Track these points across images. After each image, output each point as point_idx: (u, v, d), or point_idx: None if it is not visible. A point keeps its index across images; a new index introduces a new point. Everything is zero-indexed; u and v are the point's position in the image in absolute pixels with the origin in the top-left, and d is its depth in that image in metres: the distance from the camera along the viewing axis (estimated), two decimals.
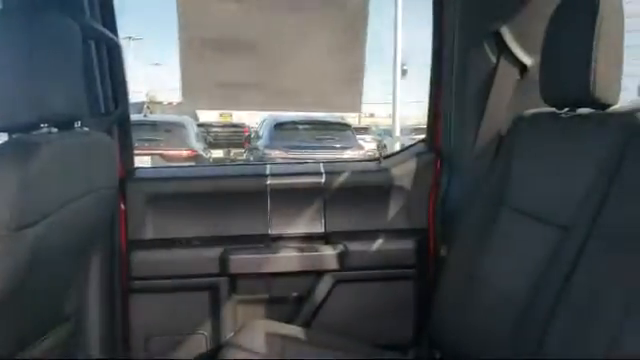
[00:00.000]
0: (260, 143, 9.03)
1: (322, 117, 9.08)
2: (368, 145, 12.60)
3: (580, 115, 1.25)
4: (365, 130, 17.77)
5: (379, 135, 19.31)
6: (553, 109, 1.33)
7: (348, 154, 8.22)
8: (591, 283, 1.01)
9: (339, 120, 9.52)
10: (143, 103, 11.24)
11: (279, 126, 8.79)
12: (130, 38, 21.04)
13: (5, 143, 1.11)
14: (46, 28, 1.13)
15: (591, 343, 0.93)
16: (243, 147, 11.47)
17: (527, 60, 1.56)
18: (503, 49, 1.57)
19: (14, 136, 1.16)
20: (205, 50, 1.67)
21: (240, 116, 14.57)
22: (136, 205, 1.64)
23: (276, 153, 8.13)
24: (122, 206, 1.63)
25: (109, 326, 1.57)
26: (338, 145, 8.67)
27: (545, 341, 1.06)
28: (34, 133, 1.12)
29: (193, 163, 7.67)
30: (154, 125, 8.21)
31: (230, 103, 1.74)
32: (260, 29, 1.68)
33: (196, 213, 1.68)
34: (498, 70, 1.58)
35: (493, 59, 1.59)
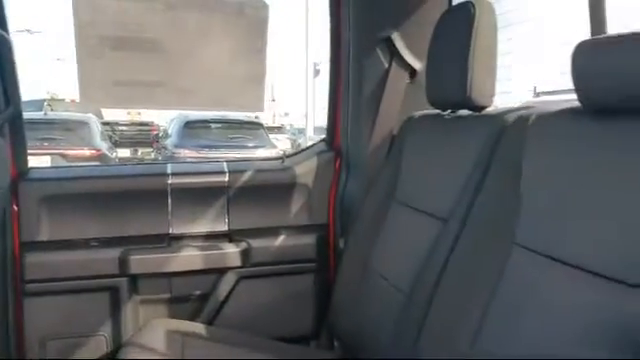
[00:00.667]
0: (169, 142, 8.84)
1: (234, 116, 9.04)
2: (282, 144, 12.69)
3: (459, 116, 1.39)
4: (279, 129, 17.88)
5: (293, 134, 19.48)
6: (438, 111, 1.46)
7: (260, 153, 8.23)
8: (463, 269, 1.12)
9: (252, 119, 9.53)
10: (44, 100, 10.65)
11: (189, 124, 8.66)
12: (28, 31, 19.78)
13: None
14: None
15: (462, 326, 1.04)
16: (151, 146, 11.17)
17: (417, 65, 1.68)
18: (395, 54, 1.69)
19: None
20: (103, 48, 1.65)
21: (150, 114, 14.16)
22: (30, 206, 1.60)
23: (186, 152, 8.00)
24: (14, 207, 1.59)
25: (1, 330, 1.52)
26: (250, 144, 8.67)
27: (424, 325, 1.17)
28: None
29: (97, 163, 7.40)
30: (54, 123, 7.84)
31: (130, 102, 1.73)
32: (161, 29, 1.69)
33: (94, 213, 1.66)
34: (390, 73, 1.70)
35: (385, 63, 1.70)
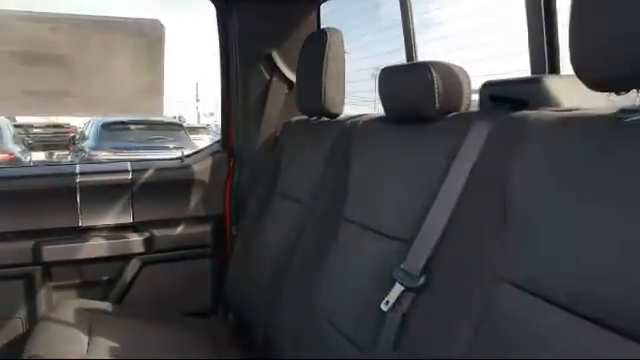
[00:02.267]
0: (86, 144, 8.78)
1: (154, 117, 9.09)
2: (204, 144, 12.75)
3: (321, 121, 1.73)
4: (204, 129, 17.88)
5: (218, 134, 19.49)
6: (306, 117, 1.80)
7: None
8: (315, 240, 1.47)
9: (172, 120, 9.61)
10: None
11: (107, 126, 8.63)
12: None
13: None
14: None
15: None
16: (68, 149, 11.00)
17: (293, 78, 2.02)
18: (275, 68, 2.03)
19: None
20: (12, 62, 1.88)
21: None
22: None
23: (103, 154, 7.96)
24: None
25: None
26: (171, 145, 8.69)
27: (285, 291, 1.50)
28: None
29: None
30: None
31: (40, 110, 1.97)
32: (68, 45, 1.94)
33: (9, 209, 1.88)
34: (271, 84, 2.03)
35: (267, 75, 2.04)
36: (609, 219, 0.72)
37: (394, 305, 1.00)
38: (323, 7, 2.07)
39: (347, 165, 1.42)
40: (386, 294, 1.02)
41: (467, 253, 0.92)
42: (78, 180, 1.96)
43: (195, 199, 2.13)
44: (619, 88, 0.76)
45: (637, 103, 0.77)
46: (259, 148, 2.06)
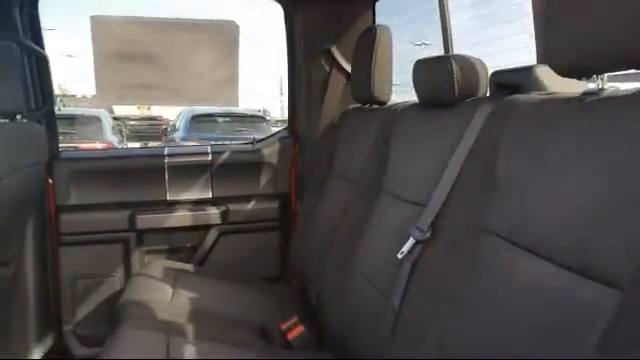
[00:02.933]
0: (177, 135, 9.39)
1: (238, 110, 9.58)
2: None
3: (371, 109, 1.96)
4: (284, 122, 18.44)
5: None
6: (360, 105, 2.04)
7: None
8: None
9: (255, 112, 10.08)
10: (56, 96, 11.33)
11: (196, 118, 9.20)
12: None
13: None
14: None
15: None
16: (160, 140, 11.78)
17: (350, 70, 2.25)
18: (334, 62, 2.27)
19: None
20: (114, 60, 2.25)
21: (159, 109, 14.83)
22: (62, 179, 2.20)
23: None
24: (50, 180, 2.18)
25: (42, 271, 2.12)
26: (254, 136, 9.12)
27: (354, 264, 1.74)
28: None
29: None
30: (69, 118, 8.46)
31: (134, 99, 2.32)
32: (158, 45, 2.28)
33: (110, 184, 2.26)
34: (331, 77, 2.28)
35: (327, 68, 2.28)
36: (572, 180, 0.88)
37: (407, 255, 1.22)
38: (378, 4, 2.28)
39: (388, 146, 1.64)
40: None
41: (464, 213, 1.12)
42: (166, 161, 2.30)
43: (265, 178, 2.42)
44: (582, 75, 0.94)
45: (596, 87, 0.94)
46: (320, 133, 2.31)
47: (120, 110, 13.22)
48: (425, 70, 1.47)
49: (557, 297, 0.84)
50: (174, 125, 10.74)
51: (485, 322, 0.97)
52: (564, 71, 0.95)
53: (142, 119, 13.14)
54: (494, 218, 1.04)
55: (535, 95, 1.09)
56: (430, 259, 1.18)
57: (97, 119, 8.85)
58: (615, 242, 0.77)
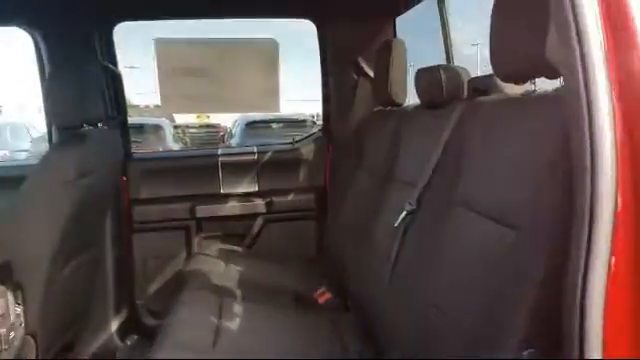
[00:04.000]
0: (233, 141, 9.94)
1: (289, 115, 10.04)
2: None
3: (390, 110, 2.30)
4: None
5: None
6: (382, 107, 2.38)
7: None
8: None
9: (306, 118, 10.52)
10: None
11: (250, 125, 9.73)
12: None
13: (66, 133, 2.13)
14: (84, 70, 2.14)
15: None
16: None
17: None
18: (360, 71, 2.62)
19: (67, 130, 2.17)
20: (175, 75, 2.69)
21: (217, 117, 15.51)
22: (135, 176, 2.65)
23: None
24: (124, 177, 2.63)
25: (119, 253, 2.57)
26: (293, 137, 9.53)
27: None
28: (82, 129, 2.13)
29: None
30: (135, 127, 9.12)
31: (193, 109, 2.75)
32: (210, 60, 2.70)
33: (174, 180, 2.69)
34: (359, 84, 2.64)
35: (355, 77, 2.64)
36: (503, 158, 1.20)
37: (400, 223, 1.57)
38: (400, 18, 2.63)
39: (399, 140, 1.98)
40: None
41: (440, 190, 1.46)
42: (220, 160, 2.72)
43: (302, 174, 2.80)
44: (520, 80, 1.27)
45: (532, 89, 1.26)
46: (350, 134, 2.67)
47: (180, 119, 13.95)
48: (421, 78, 1.81)
49: (495, 247, 1.15)
50: (230, 132, 11.32)
51: (453, 266, 1.30)
52: (507, 77, 1.28)
53: (201, 127, 13.82)
54: (461, 194, 1.37)
55: (493, 97, 1.42)
56: (416, 225, 1.52)
57: (160, 127, 9.52)
58: (523, 197, 1.10)
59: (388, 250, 1.62)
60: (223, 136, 12.76)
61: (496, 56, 1.27)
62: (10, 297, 1.70)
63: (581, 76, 0.78)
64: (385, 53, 2.22)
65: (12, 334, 1.68)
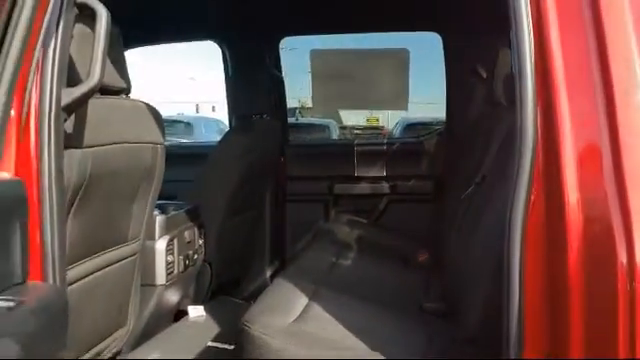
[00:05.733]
0: None
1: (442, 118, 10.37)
2: None
3: (496, 110, 2.74)
4: None
5: None
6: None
7: None
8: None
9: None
10: (295, 108, 13.45)
11: (409, 126, 10.27)
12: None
13: (240, 122, 2.93)
14: (256, 74, 2.92)
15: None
16: None
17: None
18: (478, 76, 3.07)
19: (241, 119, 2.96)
20: (326, 79, 3.38)
21: (383, 119, 16.20)
22: (289, 158, 3.38)
23: None
24: (282, 158, 3.37)
25: (275, 217, 3.32)
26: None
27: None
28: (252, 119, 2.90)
29: None
30: (302, 126, 10.23)
31: (339, 107, 3.43)
32: (355, 67, 3.35)
33: (318, 163, 3.38)
34: (476, 87, 3.08)
35: (473, 81, 3.09)
36: None
37: (465, 195, 2.05)
38: None
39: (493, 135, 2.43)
40: None
41: (495, 171, 1.93)
42: (355, 148, 3.36)
43: (424, 164, 3.32)
44: None
45: None
46: (468, 131, 3.13)
47: (348, 120, 14.87)
48: None
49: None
50: (391, 133, 11.95)
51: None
52: None
53: (365, 128, 14.65)
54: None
55: None
56: (474, 196, 2.00)
57: (326, 127, 10.54)
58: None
59: (459, 220, 2.11)
60: (384, 136, 13.41)
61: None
62: (196, 231, 2.48)
63: None
64: (500, 60, 2.66)
65: (195, 256, 2.46)
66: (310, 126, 10.33)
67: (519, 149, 1.17)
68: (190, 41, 3.59)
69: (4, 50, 1.14)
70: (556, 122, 1.13)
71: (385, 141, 3.42)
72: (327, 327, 1.58)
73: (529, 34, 1.20)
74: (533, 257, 1.15)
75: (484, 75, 3.05)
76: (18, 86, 1.18)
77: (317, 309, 1.70)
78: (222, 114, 10.74)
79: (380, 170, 3.35)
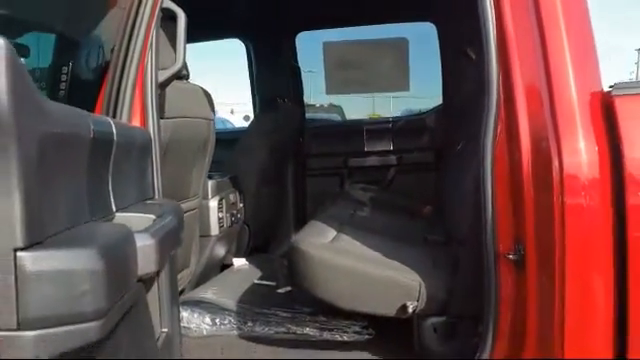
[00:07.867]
0: None
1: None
2: None
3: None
4: None
5: None
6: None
7: None
8: None
9: None
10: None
11: None
12: None
13: (265, 105, 3.49)
14: (277, 64, 3.47)
15: None
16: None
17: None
18: (469, 58, 3.59)
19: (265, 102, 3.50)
20: (338, 68, 3.91)
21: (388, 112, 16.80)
22: (308, 138, 3.90)
23: None
24: (301, 139, 3.89)
25: (297, 189, 3.85)
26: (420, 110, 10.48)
27: None
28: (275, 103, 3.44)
29: None
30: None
31: (350, 91, 4.01)
32: (364, 55, 3.88)
33: (335, 141, 3.92)
34: (464, 69, 3.60)
35: (464, 63, 3.61)
36: None
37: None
38: None
39: None
40: None
41: None
42: (365, 127, 3.88)
43: (426, 137, 3.87)
44: None
45: None
46: (461, 106, 3.65)
47: (353, 115, 15.41)
48: None
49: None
50: None
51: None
52: None
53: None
54: None
55: None
56: (463, 152, 2.53)
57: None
58: None
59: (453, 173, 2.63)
60: None
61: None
62: (237, 195, 3.01)
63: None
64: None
65: (239, 215, 2.98)
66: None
67: (487, 93, 1.69)
68: (218, 39, 4.14)
69: (131, 47, 1.68)
70: (511, 74, 1.66)
71: (391, 119, 3.91)
72: (356, 245, 2.12)
73: (492, 16, 1.72)
74: (500, 171, 1.67)
75: (473, 56, 3.58)
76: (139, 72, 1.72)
77: (345, 237, 2.25)
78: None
79: (387, 144, 3.87)
